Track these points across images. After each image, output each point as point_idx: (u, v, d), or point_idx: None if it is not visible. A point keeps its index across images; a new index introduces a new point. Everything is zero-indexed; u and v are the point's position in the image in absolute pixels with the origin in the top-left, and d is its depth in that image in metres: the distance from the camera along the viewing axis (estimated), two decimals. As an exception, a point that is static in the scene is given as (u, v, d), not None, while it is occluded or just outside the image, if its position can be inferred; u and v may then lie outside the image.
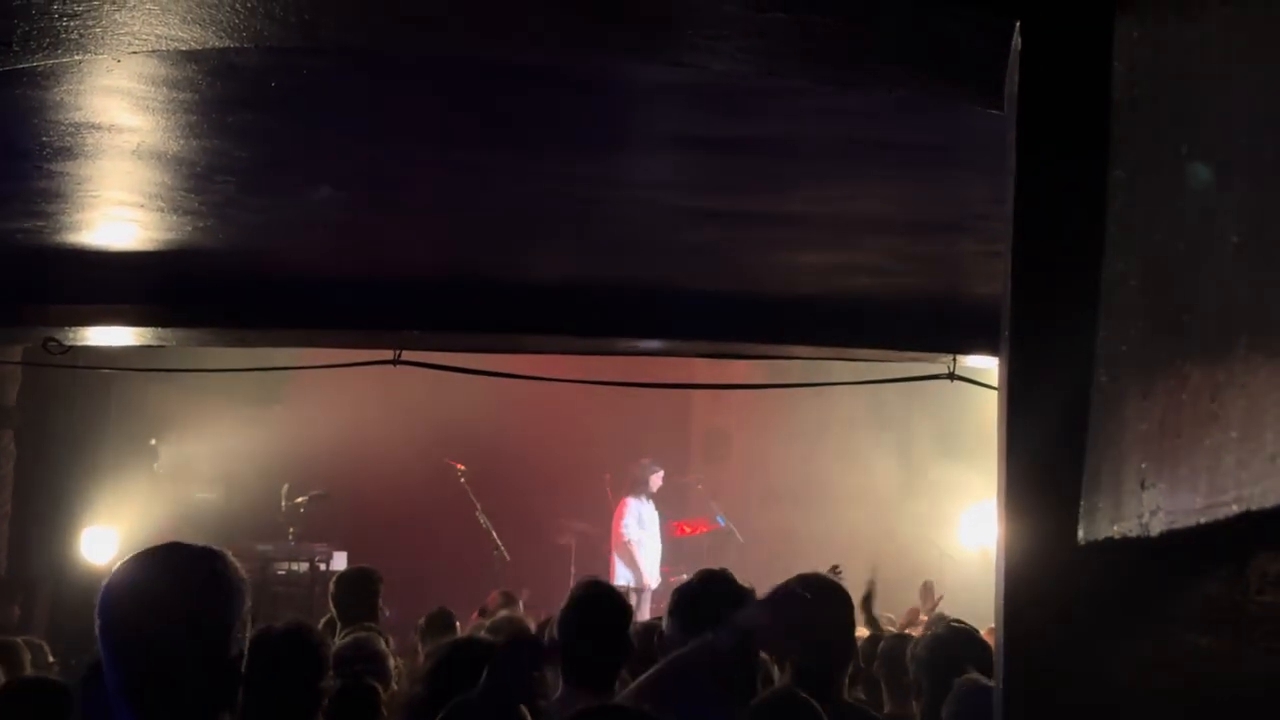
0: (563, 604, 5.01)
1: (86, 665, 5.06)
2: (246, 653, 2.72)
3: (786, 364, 16.43)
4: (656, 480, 15.11)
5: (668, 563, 15.25)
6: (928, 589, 13.02)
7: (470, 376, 10.85)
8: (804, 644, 4.43)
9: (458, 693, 4.28)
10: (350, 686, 5.14)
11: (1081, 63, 2.48)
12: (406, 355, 9.44)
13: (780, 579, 4.80)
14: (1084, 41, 2.47)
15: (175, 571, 2.68)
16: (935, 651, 5.32)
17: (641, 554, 14.77)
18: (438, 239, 7.50)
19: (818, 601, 4.58)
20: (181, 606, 2.62)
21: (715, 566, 5.33)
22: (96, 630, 2.65)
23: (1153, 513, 1.93)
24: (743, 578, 4.87)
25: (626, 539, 14.84)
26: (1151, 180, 2.20)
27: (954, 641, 5.36)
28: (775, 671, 4.76)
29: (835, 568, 6.48)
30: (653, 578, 14.59)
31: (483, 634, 6.23)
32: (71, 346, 9.90)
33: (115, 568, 2.71)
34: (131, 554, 2.77)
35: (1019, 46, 2.63)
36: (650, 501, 15.05)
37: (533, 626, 7.82)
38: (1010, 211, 2.58)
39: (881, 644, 6.91)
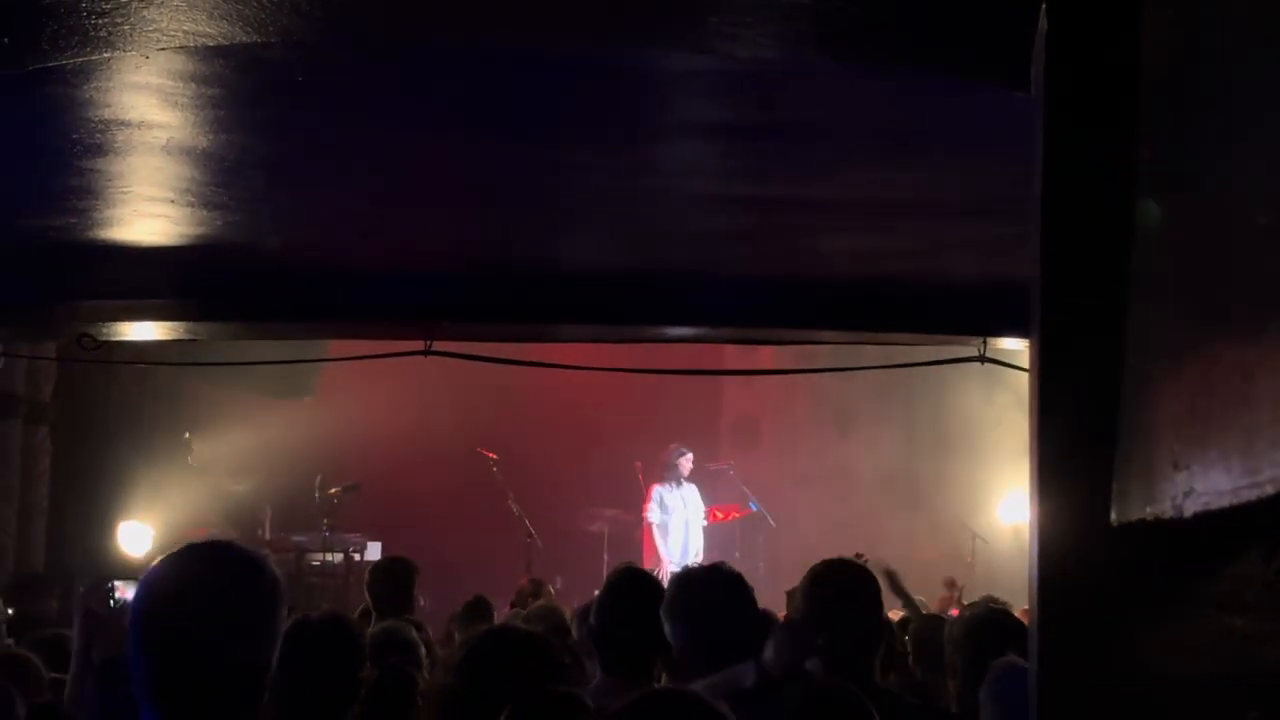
0: (599, 591, 5.01)
1: (101, 663, 5.09)
2: (283, 643, 2.72)
3: (815, 349, 16.43)
4: (686, 465, 15.12)
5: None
6: (951, 584, 12.99)
7: (501, 365, 10.89)
8: (834, 629, 4.42)
9: (493, 682, 4.29)
10: (387, 676, 5.15)
11: (1108, 43, 2.48)
12: (437, 345, 9.45)
13: (812, 563, 4.81)
14: (1110, 21, 2.47)
15: (217, 572, 2.65)
16: (971, 632, 5.31)
17: (664, 538, 14.78)
18: (466, 229, 7.51)
19: (846, 586, 4.59)
20: (222, 609, 2.59)
21: (749, 551, 5.35)
22: (130, 623, 2.63)
23: (1186, 494, 1.93)
24: (774, 562, 4.88)
25: (648, 522, 14.89)
26: (1180, 160, 2.20)
27: (990, 622, 5.34)
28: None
29: (859, 555, 6.49)
30: (676, 561, 14.59)
31: (519, 623, 6.24)
32: (105, 342, 9.95)
33: (154, 563, 2.68)
34: (170, 550, 2.75)
35: (1045, 27, 2.62)
36: (682, 486, 15.04)
37: (567, 614, 7.83)
38: (1039, 193, 2.58)
39: (914, 625, 6.91)
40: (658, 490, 14.99)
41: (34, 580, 11.49)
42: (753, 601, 4.72)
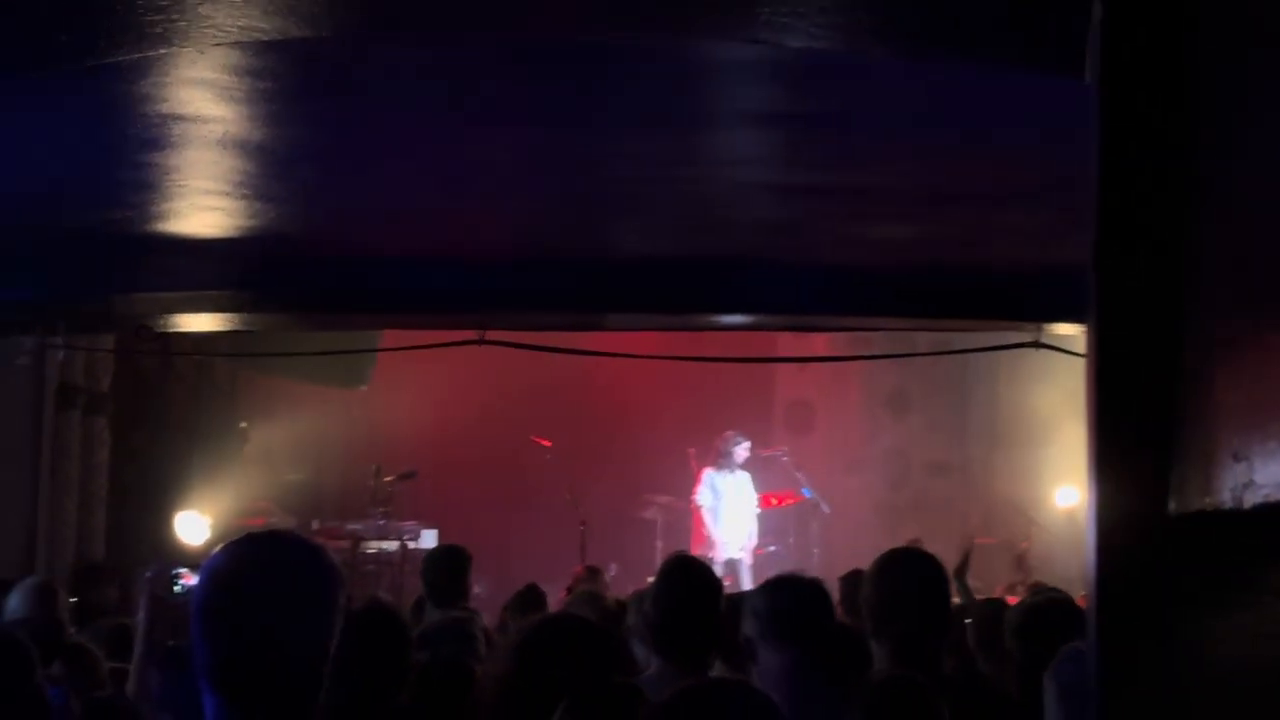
0: (652, 579, 5.01)
1: (166, 650, 5.14)
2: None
3: (869, 334, 16.40)
4: (741, 453, 15.07)
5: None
6: (1022, 560, 12.92)
7: (553, 354, 10.92)
8: (903, 618, 4.41)
9: (549, 671, 4.30)
10: (443, 664, 5.17)
11: (1164, 27, 2.46)
12: (491, 335, 9.50)
13: (865, 549, 4.81)
14: (1166, 4, 2.45)
15: (279, 560, 2.68)
16: (1029, 620, 5.29)
17: (715, 523, 14.76)
18: (519, 218, 7.54)
19: (912, 573, 4.58)
20: (283, 596, 2.62)
21: (802, 537, 5.33)
22: (192, 610, 2.65)
23: (1245, 485, 1.92)
24: (828, 548, 4.86)
25: (697, 506, 14.88)
26: (1238, 147, 2.19)
27: (1048, 609, 5.32)
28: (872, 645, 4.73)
29: (915, 540, 6.47)
30: (726, 549, 14.57)
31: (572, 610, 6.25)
32: (162, 333, 10.05)
33: (216, 550, 2.71)
34: (229, 538, 2.78)
35: (1100, 13, 2.61)
36: (735, 474, 15.00)
37: (616, 602, 7.85)
38: (1094, 179, 2.56)
39: (974, 612, 6.88)
40: (708, 474, 14.96)
41: (94, 570, 11.61)
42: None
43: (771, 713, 2.97)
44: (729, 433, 15.09)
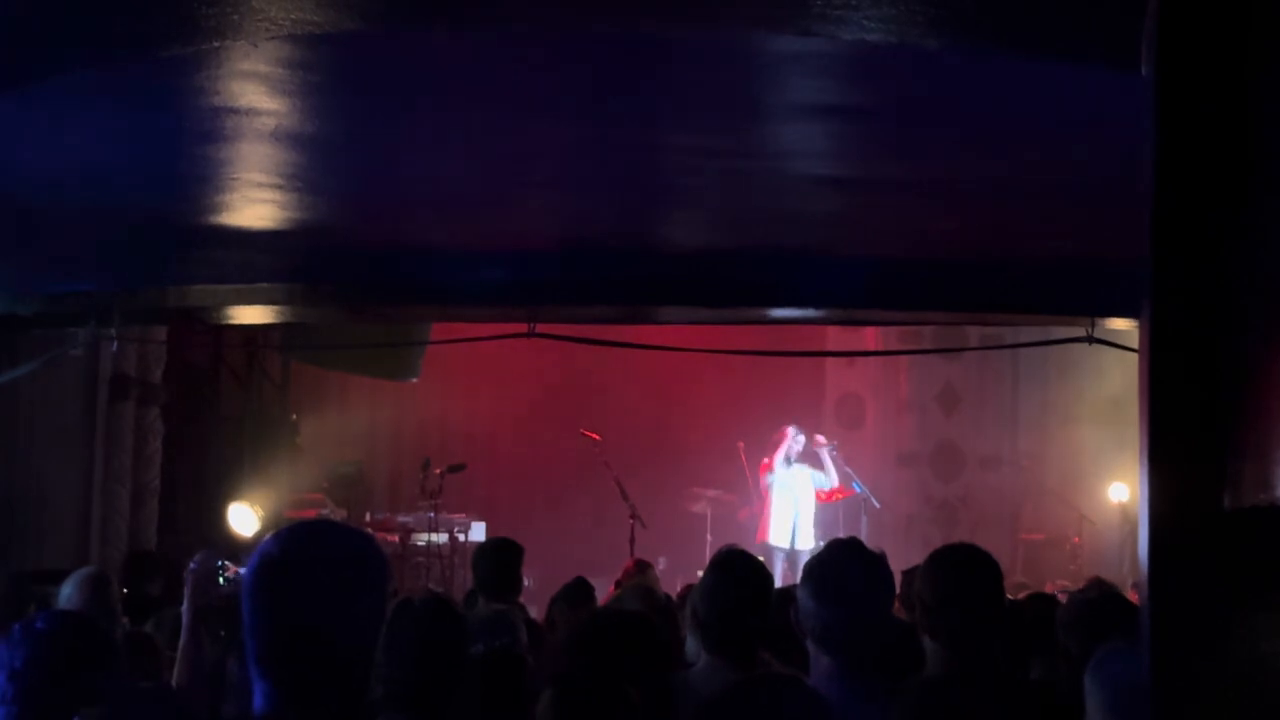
0: (702, 572, 5.00)
1: (228, 641, 5.18)
2: (388, 624, 2.76)
3: (919, 328, 16.34)
4: (799, 446, 14.99)
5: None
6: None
7: (603, 347, 10.93)
8: (959, 614, 4.38)
9: (600, 664, 4.30)
10: (497, 656, 5.18)
11: (1221, 19, 2.44)
12: (540, 327, 9.52)
13: (917, 544, 4.77)
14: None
15: (328, 549, 2.70)
16: (1082, 615, 5.25)
17: (770, 511, 14.73)
18: (569, 210, 7.54)
19: (966, 570, 4.54)
20: (333, 584, 2.64)
21: (852, 532, 5.28)
22: (243, 597, 2.66)
23: (1300, 481, 1.91)
24: (878, 543, 4.81)
25: (765, 489, 14.83)
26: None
27: (1101, 605, 5.28)
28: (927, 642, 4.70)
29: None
30: (783, 538, 14.54)
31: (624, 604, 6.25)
32: (215, 325, 10.11)
33: (268, 537, 2.73)
34: (280, 527, 2.80)
35: (1155, 4, 2.58)
36: (791, 466, 14.92)
37: (674, 595, 7.84)
38: (1151, 174, 2.54)
39: (1024, 607, 6.82)
40: (777, 461, 14.86)
41: (143, 560, 11.71)
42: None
43: (820, 710, 2.96)
44: (789, 427, 15.03)
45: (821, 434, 15.77)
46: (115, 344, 11.16)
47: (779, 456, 14.75)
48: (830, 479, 14.91)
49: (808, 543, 14.52)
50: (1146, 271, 2.56)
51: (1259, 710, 2.23)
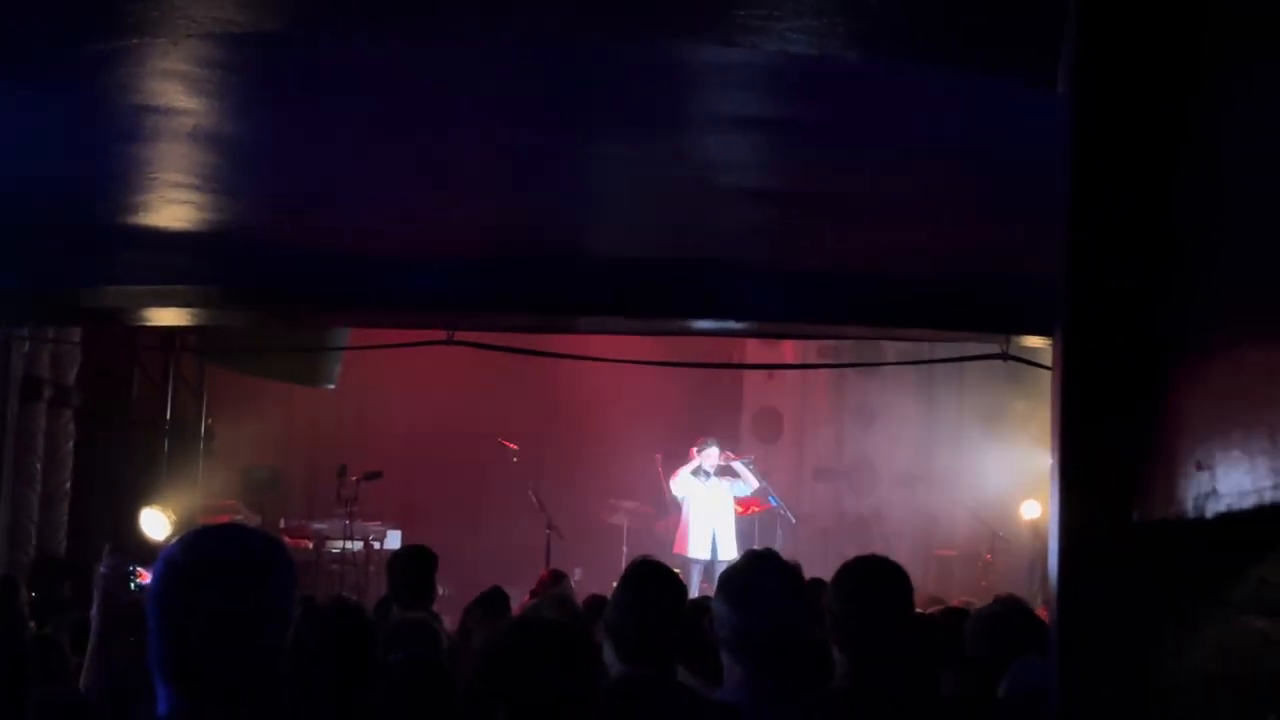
0: (616, 582, 4.99)
1: (136, 646, 5.11)
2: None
3: (837, 344, 16.43)
4: (712, 458, 14.97)
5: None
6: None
7: (522, 356, 10.90)
8: (863, 628, 4.39)
9: (516, 674, 4.28)
10: (418, 664, 5.15)
11: (1137, 38, 2.47)
12: (459, 335, 9.48)
13: (832, 559, 4.79)
14: (1140, 16, 2.45)
15: (234, 553, 2.67)
16: (989, 629, 5.29)
17: (687, 524, 14.75)
18: (490, 219, 7.52)
19: (875, 583, 4.55)
20: (238, 588, 2.61)
21: (765, 546, 5.29)
22: (148, 601, 2.63)
23: (1208, 495, 1.92)
24: (793, 556, 4.82)
25: (677, 499, 14.85)
26: (1208, 160, 2.19)
27: (1010, 618, 5.32)
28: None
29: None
30: (702, 550, 14.55)
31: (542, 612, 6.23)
32: (130, 327, 9.99)
33: (173, 543, 2.70)
34: (185, 533, 2.76)
35: (1074, 20, 2.61)
36: (709, 480, 14.91)
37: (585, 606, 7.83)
38: (1065, 191, 2.57)
39: (935, 621, 6.87)
40: (683, 471, 14.87)
41: (50, 564, 11.54)
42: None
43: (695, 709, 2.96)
44: (711, 445, 15.03)
45: (739, 447, 15.83)
46: (28, 345, 11.01)
47: (685, 470, 14.77)
48: (749, 484, 14.95)
49: (729, 553, 14.57)
50: (1060, 289, 2.59)
51: (1163, 718, 2.25)
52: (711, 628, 4.48)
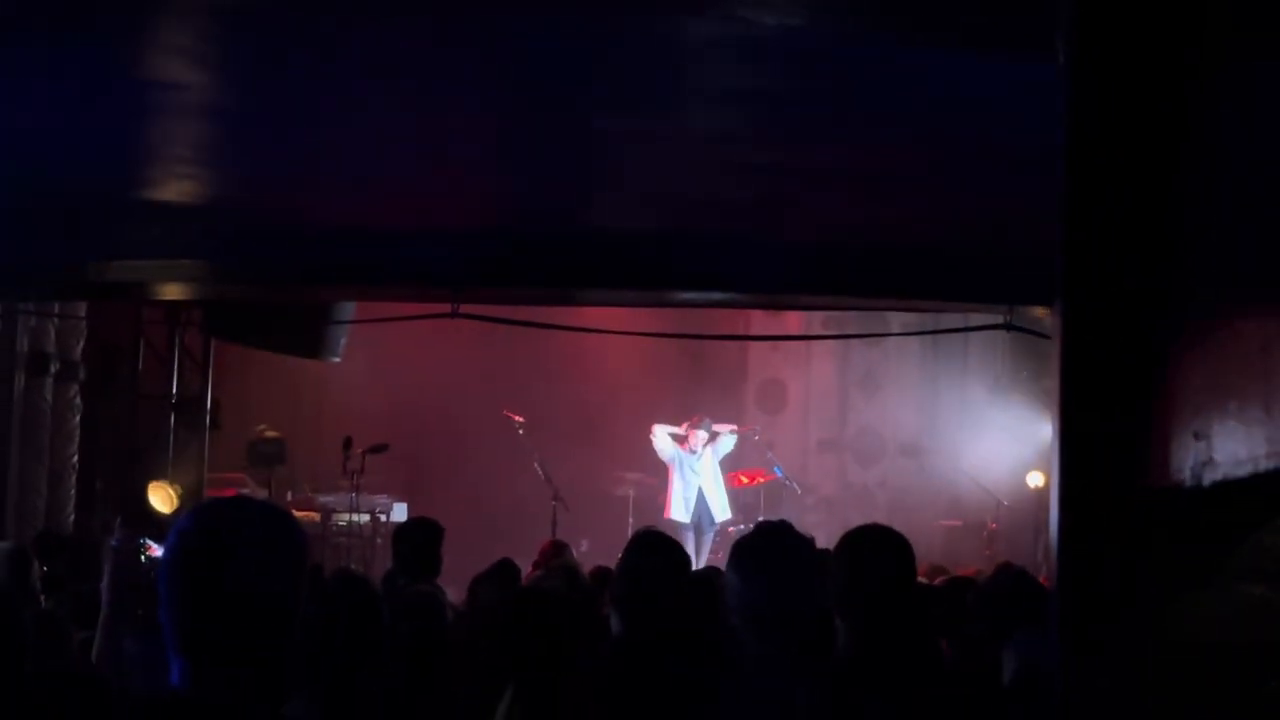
0: (620, 552, 5.03)
1: (143, 619, 5.13)
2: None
3: (842, 314, 16.42)
4: (699, 437, 15.06)
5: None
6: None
7: (528, 329, 10.91)
8: (865, 597, 4.40)
9: (526, 643, 4.31)
10: (419, 634, 5.17)
11: (1137, 7, 2.47)
12: (464, 308, 9.48)
13: (836, 528, 4.80)
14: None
15: (245, 524, 2.67)
16: (993, 598, 5.31)
17: (672, 488, 14.86)
18: (493, 190, 7.52)
19: (877, 552, 4.55)
20: (249, 560, 2.61)
21: (772, 517, 5.30)
22: (159, 573, 2.63)
23: (1204, 464, 1.94)
24: (799, 527, 4.82)
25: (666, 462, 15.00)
26: (1207, 132, 2.20)
27: (1013, 588, 5.33)
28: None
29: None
30: (683, 513, 14.67)
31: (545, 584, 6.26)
32: (136, 301, 10.00)
33: (185, 515, 2.70)
34: (197, 505, 2.77)
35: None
36: (697, 454, 14.97)
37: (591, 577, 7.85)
38: (1064, 162, 2.58)
39: (941, 590, 6.89)
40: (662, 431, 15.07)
41: (53, 538, 11.58)
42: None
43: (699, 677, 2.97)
44: (697, 416, 15.14)
45: (743, 418, 15.88)
46: (34, 320, 11.03)
47: (666, 430, 14.94)
48: (729, 442, 15.10)
49: (724, 514, 14.70)
50: (1059, 262, 2.60)
51: (1164, 692, 2.27)
52: (724, 596, 4.49)
